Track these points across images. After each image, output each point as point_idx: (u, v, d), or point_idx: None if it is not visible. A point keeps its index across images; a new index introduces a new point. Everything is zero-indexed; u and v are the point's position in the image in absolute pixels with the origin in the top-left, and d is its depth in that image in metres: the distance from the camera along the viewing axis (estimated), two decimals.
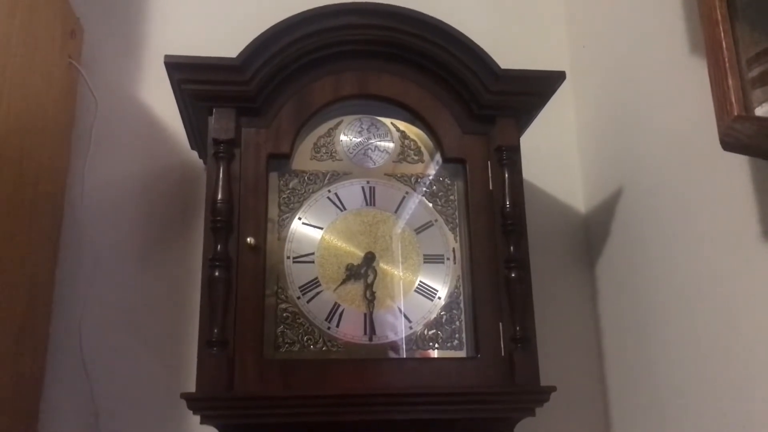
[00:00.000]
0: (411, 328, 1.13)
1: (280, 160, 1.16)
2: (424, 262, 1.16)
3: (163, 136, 1.47)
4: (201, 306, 1.05)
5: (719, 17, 0.86)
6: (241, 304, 1.05)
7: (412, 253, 1.17)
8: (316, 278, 1.12)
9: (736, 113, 0.83)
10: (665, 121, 1.22)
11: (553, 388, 1.07)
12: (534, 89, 1.20)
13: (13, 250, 1.17)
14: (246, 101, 1.13)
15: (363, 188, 1.19)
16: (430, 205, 1.20)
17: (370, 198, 1.19)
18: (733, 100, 0.83)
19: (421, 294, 1.15)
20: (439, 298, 1.15)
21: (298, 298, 1.11)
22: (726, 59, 0.84)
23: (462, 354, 1.13)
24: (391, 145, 1.23)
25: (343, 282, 1.13)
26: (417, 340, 1.13)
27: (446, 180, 1.22)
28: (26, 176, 1.22)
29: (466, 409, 1.06)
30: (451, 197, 1.21)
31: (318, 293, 1.12)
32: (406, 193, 1.20)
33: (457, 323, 1.14)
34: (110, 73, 1.49)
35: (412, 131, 1.23)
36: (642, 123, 1.29)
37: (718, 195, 1.07)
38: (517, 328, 1.09)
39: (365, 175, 1.20)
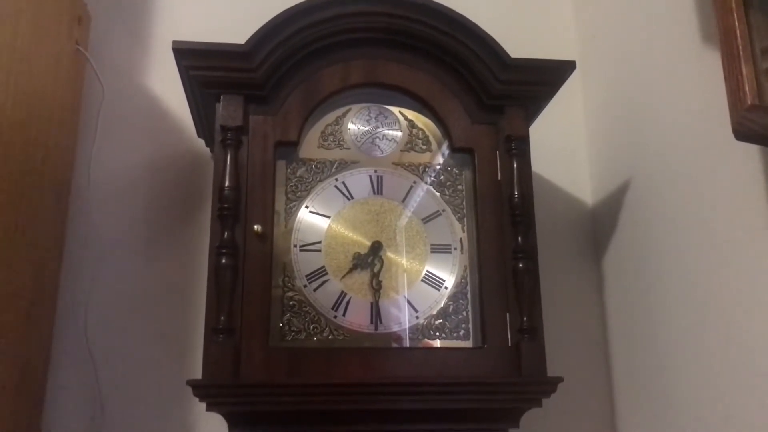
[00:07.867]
0: (417, 317, 1.12)
1: (288, 147, 1.15)
2: (431, 252, 1.16)
3: (170, 123, 1.47)
4: (207, 293, 1.04)
5: (733, 5, 0.86)
6: (248, 291, 1.05)
7: (419, 242, 1.16)
8: (323, 267, 1.12)
9: (749, 102, 0.82)
10: (675, 111, 1.21)
11: (560, 379, 1.07)
12: (544, 79, 1.19)
13: (19, 236, 1.17)
14: (254, 88, 1.12)
15: (370, 177, 1.18)
16: (438, 194, 1.19)
17: (378, 187, 1.18)
18: (747, 89, 0.82)
19: (427, 283, 1.14)
20: (446, 287, 1.14)
21: (305, 286, 1.11)
22: (740, 48, 0.84)
23: (468, 344, 1.12)
24: (399, 134, 1.22)
25: (350, 271, 1.13)
26: (423, 330, 1.12)
27: (454, 170, 1.21)
28: (33, 162, 1.22)
29: (472, 400, 1.06)
30: (459, 187, 1.20)
31: (324, 282, 1.11)
32: (414, 182, 1.19)
33: (464, 313, 1.14)
34: (117, 59, 1.49)
35: (421, 120, 1.23)
36: (651, 113, 1.28)
37: (727, 186, 1.06)
38: (524, 319, 1.09)
39: (373, 164, 1.19)
